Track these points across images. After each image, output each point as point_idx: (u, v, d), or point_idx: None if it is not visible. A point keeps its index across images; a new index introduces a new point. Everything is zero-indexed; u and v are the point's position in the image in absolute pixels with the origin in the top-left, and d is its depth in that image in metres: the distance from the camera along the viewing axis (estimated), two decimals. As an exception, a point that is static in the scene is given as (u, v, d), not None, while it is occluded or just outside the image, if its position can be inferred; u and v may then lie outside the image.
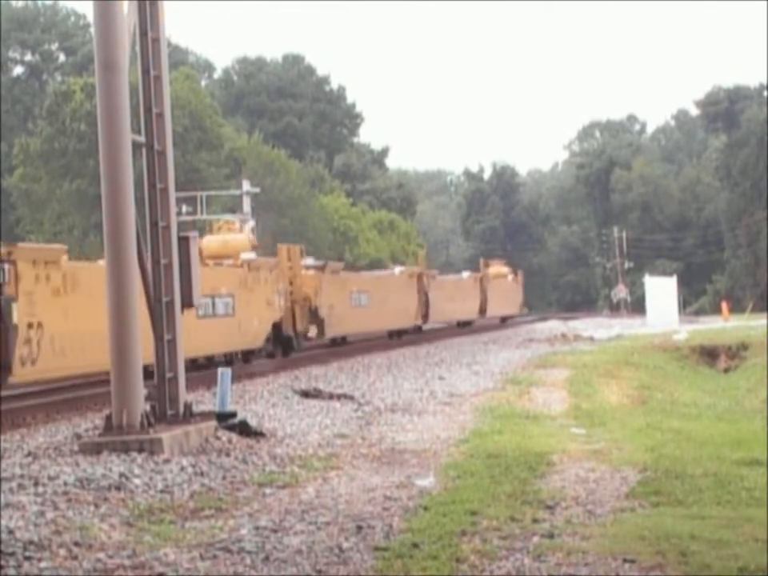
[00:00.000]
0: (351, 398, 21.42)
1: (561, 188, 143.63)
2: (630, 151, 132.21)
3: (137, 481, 11.74)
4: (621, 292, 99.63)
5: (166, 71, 15.36)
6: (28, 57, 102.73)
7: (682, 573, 8.33)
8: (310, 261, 36.91)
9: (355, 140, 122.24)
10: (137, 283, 14.26)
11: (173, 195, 15.38)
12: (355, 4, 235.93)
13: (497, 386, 24.61)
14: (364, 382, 25.30)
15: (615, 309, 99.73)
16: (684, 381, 34.30)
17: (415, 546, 9.11)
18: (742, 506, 10.87)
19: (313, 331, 34.78)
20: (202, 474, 12.50)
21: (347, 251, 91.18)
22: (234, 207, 51.23)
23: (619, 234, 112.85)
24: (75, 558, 8.80)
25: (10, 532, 9.25)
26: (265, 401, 20.71)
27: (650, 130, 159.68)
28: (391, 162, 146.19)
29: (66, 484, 11.34)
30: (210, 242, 31.95)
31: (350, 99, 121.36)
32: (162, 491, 11.49)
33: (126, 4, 14.56)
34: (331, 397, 21.48)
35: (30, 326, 18.49)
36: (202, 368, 25.89)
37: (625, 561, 8.59)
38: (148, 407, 14.36)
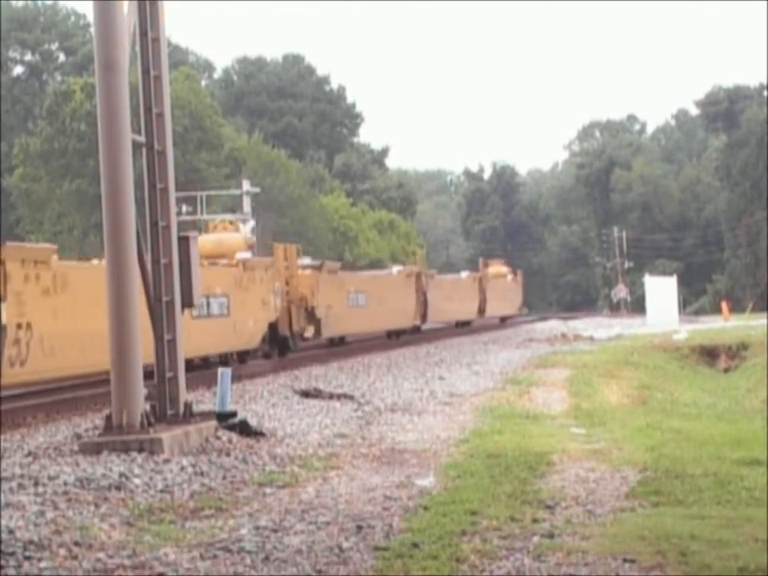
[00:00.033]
0: (351, 397, 21.41)
1: (561, 188, 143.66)
2: (630, 151, 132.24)
3: (137, 480, 11.74)
4: (621, 292, 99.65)
5: (166, 71, 15.36)
6: (28, 57, 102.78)
7: (682, 573, 8.33)
8: (306, 260, 36.61)
9: (355, 140, 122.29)
10: (137, 283, 14.25)
11: (173, 195, 15.38)
12: (355, 4, 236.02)
13: (497, 386, 24.61)
14: (364, 381, 25.30)
15: (615, 309, 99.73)
16: (684, 380, 34.30)
17: (415, 545, 9.11)
18: (742, 506, 10.87)
19: (310, 331, 34.58)
20: (202, 473, 12.50)
21: (347, 251, 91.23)
22: (234, 207, 51.23)
23: (619, 233, 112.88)
24: (75, 557, 8.80)
25: (10, 532, 9.25)
26: (265, 401, 20.71)
27: (650, 129, 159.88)
28: (391, 162, 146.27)
29: (65, 484, 11.34)
30: (205, 242, 31.78)
31: (350, 99, 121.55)
32: (162, 491, 11.49)
33: (125, 4, 14.56)
34: (331, 397, 21.47)
35: (18, 326, 18.19)
36: (198, 369, 25.83)
37: (625, 561, 8.59)
38: (148, 407, 14.35)
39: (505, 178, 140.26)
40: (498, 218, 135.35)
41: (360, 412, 19.26)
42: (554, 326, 62.15)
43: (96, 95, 14.44)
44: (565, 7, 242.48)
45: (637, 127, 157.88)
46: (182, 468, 12.61)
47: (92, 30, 16.07)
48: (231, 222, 36.00)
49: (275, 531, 9.77)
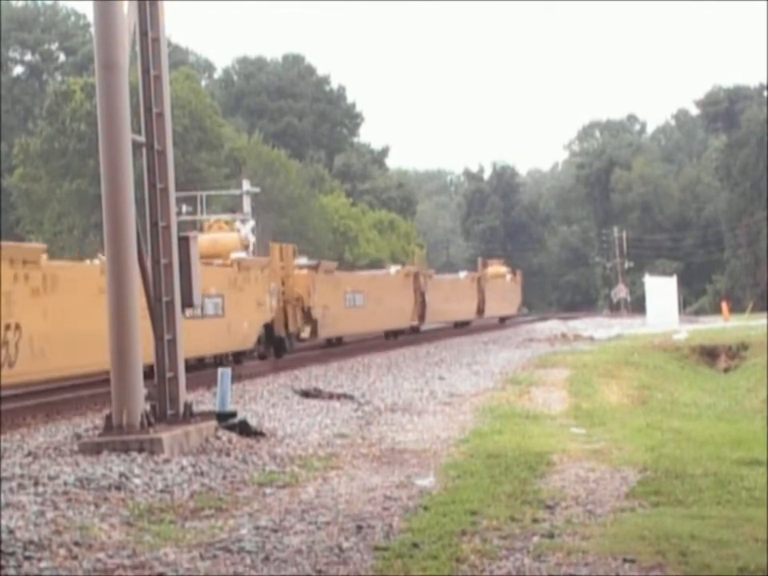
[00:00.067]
0: (351, 397, 21.41)
1: (561, 188, 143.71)
2: (630, 151, 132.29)
3: (137, 481, 11.74)
4: (621, 292, 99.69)
5: (166, 71, 15.36)
6: (28, 57, 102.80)
7: (682, 573, 8.33)
8: (303, 260, 36.31)
9: (355, 140, 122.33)
10: (137, 283, 14.25)
11: (173, 195, 15.38)
12: (355, 4, 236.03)
13: (497, 386, 24.61)
14: (364, 381, 25.30)
15: (615, 309, 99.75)
16: (684, 381, 34.30)
17: (415, 545, 9.11)
18: (742, 506, 10.87)
19: (306, 332, 34.34)
20: (201, 473, 12.50)
21: (347, 251, 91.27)
22: (234, 207, 51.20)
23: (619, 233, 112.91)
24: (75, 557, 8.80)
25: (10, 532, 9.25)
26: (265, 401, 20.71)
27: (649, 129, 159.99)
28: (391, 162, 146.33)
29: (65, 484, 11.34)
30: (200, 242, 31.60)
31: (350, 99, 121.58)
32: (161, 491, 11.49)
33: (125, 4, 14.56)
34: (331, 397, 21.46)
35: (7, 327, 17.90)
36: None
37: (625, 561, 8.59)
38: (148, 407, 14.35)
39: (505, 178, 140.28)
40: (498, 218, 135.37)
41: (360, 412, 19.26)
42: (553, 326, 62.14)
43: (96, 95, 14.43)
44: (565, 7, 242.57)
45: (637, 127, 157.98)
46: (182, 468, 12.61)
47: (92, 30, 16.07)
48: (227, 222, 35.83)
49: (275, 531, 9.77)
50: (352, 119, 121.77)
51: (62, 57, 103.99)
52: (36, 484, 11.34)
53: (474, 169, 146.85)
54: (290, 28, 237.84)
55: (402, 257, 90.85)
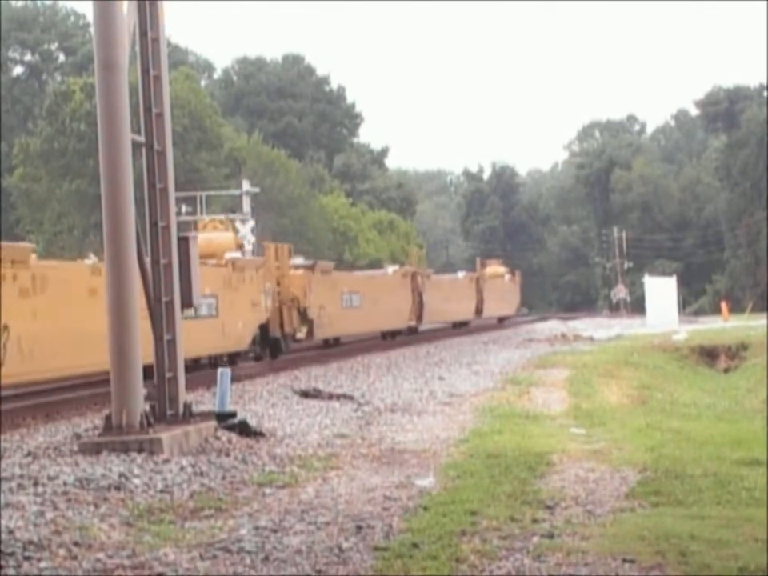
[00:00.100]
0: (351, 398, 21.40)
1: (561, 188, 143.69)
2: (630, 151, 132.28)
3: (136, 481, 11.74)
4: (620, 292, 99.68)
5: (165, 71, 15.36)
6: (28, 57, 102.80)
7: (682, 573, 8.33)
8: (299, 260, 36.10)
9: (355, 140, 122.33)
10: (137, 283, 14.25)
11: (173, 195, 15.38)
12: (355, 4, 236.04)
13: (497, 386, 24.60)
14: (363, 382, 25.30)
15: (615, 309, 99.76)
16: (684, 381, 34.30)
17: (415, 545, 9.10)
18: (742, 506, 10.87)
19: (302, 333, 34.15)
20: (201, 473, 12.50)
21: (347, 251, 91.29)
22: (233, 207, 51.25)
23: (619, 234, 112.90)
24: (75, 558, 8.80)
25: (10, 532, 9.25)
26: (264, 401, 20.70)
27: (649, 130, 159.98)
28: (391, 162, 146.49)
29: (65, 484, 11.34)
30: None
31: (349, 99, 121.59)
32: (161, 491, 11.48)
33: (125, 4, 14.56)
34: (331, 397, 21.45)
35: None
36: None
37: (624, 561, 8.59)
38: (148, 407, 14.35)
39: (504, 178, 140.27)
40: (498, 218, 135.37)
41: (360, 412, 19.26)
42: (553, 326, 62.16)
43: (96, 95, 14.43)
44: (565, 7, 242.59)
45: (637, 127, 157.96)
46: (182, 468, 12.61)
47: (92, 30, 16.07)
48: (222, 222, 35.64)
49: (275, 531, 9.76)
50: (352, 119, 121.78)
51: (61, 57, 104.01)
52: (36, 484, 11.34)
53: (474, 169, 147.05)
54: (290, 28, 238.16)
55: (402, 257, 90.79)
